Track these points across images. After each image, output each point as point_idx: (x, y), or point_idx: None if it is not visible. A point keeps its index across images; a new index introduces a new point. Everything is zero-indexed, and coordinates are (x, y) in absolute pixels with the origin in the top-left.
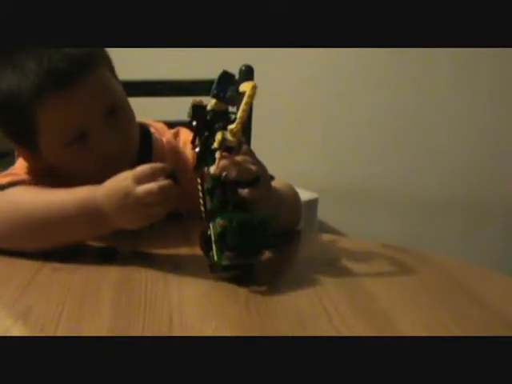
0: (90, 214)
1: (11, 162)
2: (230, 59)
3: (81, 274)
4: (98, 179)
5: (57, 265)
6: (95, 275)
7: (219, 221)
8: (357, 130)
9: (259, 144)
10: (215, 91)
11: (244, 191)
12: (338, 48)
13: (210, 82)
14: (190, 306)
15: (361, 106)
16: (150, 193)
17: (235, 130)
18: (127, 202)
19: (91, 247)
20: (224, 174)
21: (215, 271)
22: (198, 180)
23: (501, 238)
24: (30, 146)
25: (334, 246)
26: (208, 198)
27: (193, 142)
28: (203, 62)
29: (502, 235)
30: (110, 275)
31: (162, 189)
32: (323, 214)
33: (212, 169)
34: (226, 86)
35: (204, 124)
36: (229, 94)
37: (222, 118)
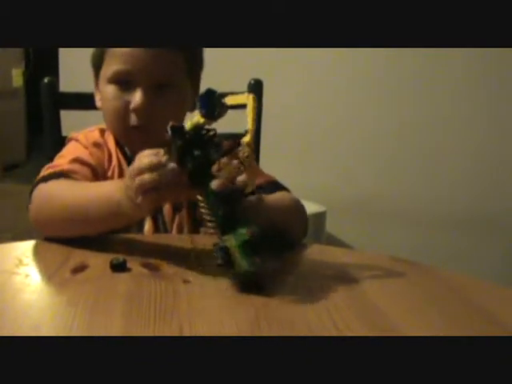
0: (110, 207)
1: (19, 174)
2: (238, 71)
3: (91, 285)
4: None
5: (66, 276)
6: (105, 287)
7: (244, 230)
8: (365, 144)
9: (268, 157)
10: (204, 111)
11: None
12: (348, 60)
13: None
14: (200, 318)
15: (369, 119)
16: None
17: (250, 141)
18: (134, 198)
19: (101, 259)
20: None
21: (239, 278)
22: (199, 197)
23: (509, 250)
24: (97, 76)
25: (342, 259)
26: (216, 212)
27: (179, 161)
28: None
29: (510, 248)
30: (119, 287)
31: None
32: (331, 226)
33: (214, 184)
34: (213, 104)
35: (185, 143)
36: (217, 111)
37: (200, 134)
